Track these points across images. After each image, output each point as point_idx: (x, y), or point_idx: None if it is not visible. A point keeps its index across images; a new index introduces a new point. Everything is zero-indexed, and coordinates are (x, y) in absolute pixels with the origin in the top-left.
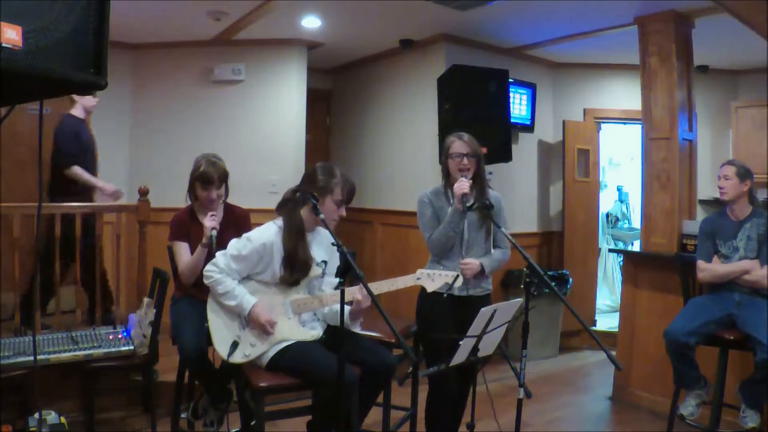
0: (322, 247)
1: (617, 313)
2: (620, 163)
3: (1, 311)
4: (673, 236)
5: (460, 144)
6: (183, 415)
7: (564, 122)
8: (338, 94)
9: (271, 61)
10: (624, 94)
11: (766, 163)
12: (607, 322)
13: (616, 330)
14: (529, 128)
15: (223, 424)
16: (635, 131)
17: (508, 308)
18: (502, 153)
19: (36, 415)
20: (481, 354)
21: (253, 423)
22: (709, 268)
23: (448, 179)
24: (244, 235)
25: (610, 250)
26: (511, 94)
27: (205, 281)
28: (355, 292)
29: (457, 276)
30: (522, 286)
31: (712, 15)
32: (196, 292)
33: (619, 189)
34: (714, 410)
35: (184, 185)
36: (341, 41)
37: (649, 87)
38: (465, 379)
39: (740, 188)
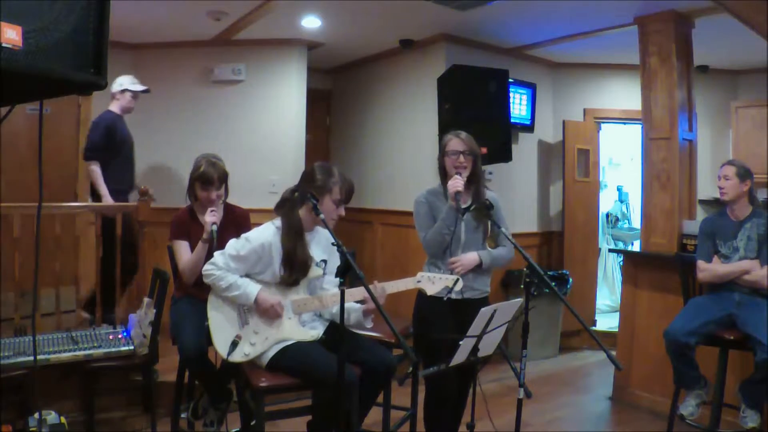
0: (321, 246)
1: (617, 313)
2: (620, 163)
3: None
4: (673, 236)
5: (456, 141)
6: (183, 415)
7: (564, 122)
8: (338, 94)
9: (271, 61)
10: (624, 94)
11: (766, 163)
12: (607, 322)
13: (616, 330)
14: (529, 128)
15: (223, 424)
16: (635, 131)
17: (508, 308)
18: (502, 153)
19: (36, 415)
20: (481, 354)
21: (253, 423)
22: (709, 268)
23: (445, 178)
24: (243, 235)
25: (610, 250)
26: (511, 94)
27: (206, 280)
28: (360, 294)
29: (457, 279)
30: (522, 286)
31: (712, 15)
32: (197, 292)
33: (619, 189)
34: (714, 410)
35: (184, 185)
36: (341, 41)
37: (649, 87)
38: (465, 379)
39: (740, 188)
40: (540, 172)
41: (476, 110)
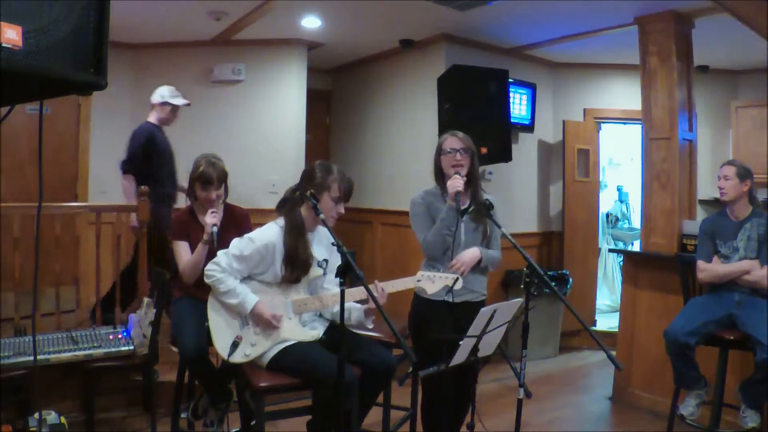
0: (323, 245)
1: (617, 313)
2: (620, 163)
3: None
4: (673, 236)
5: (453, 139)
6: (183, 415)
7: (564, 122)
8: (338, 94)
9: (271, 61)
10: (624, 94)
11: (766, 163)
12: (607, 322)
13: (616, 330)
14: (529, 128)
15: (223, 424)
16: (635, 131)
17: (508, 308)
18: (502, 153)
19: (36, 415)
20: (481, 354)
21: (253, 423)
22: (709, 269)
23: (441, 179)
24: (246, 235)
25: (610, 250)
26: (511, 94)
27: (206, 280)
28: (360, 293)
29: (457, 278)
30: (522, 286)
31: (712, 15)
32: (197, 292)
33: (619, 189)
34: (714, 410)
35: (184, 185)
36: (341, 41)
37: (649, 87)
38: (466, 380)
39: (740, 188)
40: (540, 172)
41: (476, 110)
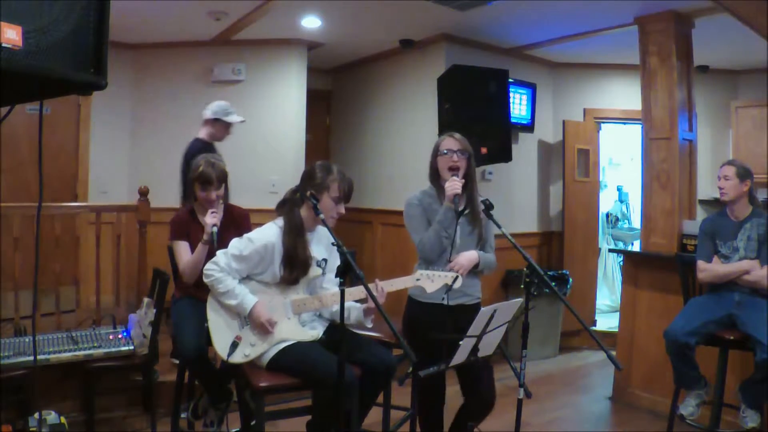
0: (322, 245)
1: (617, 313)
2: (620, 163)
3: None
4: (673, 236)
5: (450, 140)
6: (183, 415)
7: (564, 122)
8: (338, 94)
9: (271, 61)
10: (624, 94)
11: (766, 163)
12: (607, 322)
13: (616, 330)
14: (529, 128)
15: (223, 424)
16: (635, 131)
17: (508, 308)
18: (502, 153)
19: (36, 415)
20: (481, 354)
21: (253, 423)
22: (709, 269)
23: (437, 180)
24: (246, 235)
25: (610, 250)
26: (511, 94)
27: (205, 280)
28: (359, 293)
29: (456, 277)
30: (522, 286)
31: (712, 15)
32: (197, 292)
33: (619, 189)
34: (714, 410)
35: None
36: (341, 41)
37: (649, 87)
38: (469, 380)
39: (740, 188)
40: (540, 172)
41: (476, 110)
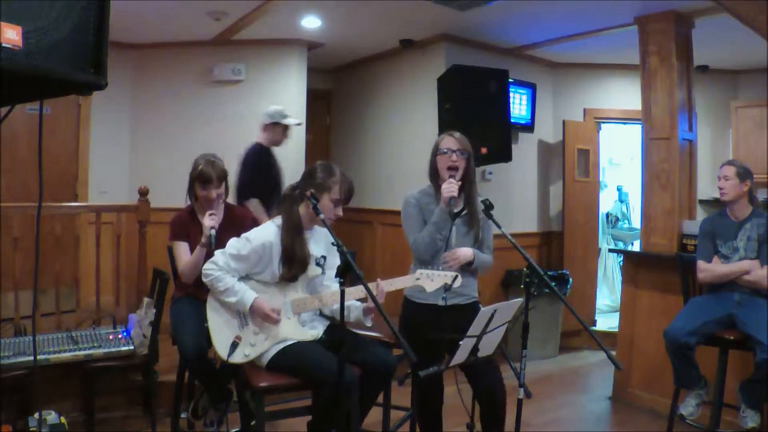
0: (320, 244)
1: (617, 313)
2: (620, 163)
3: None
4: (673, 236)
5: (450, 140)
6: (183, 415)
7: (564, 122)
8: (338, 94)
9: (271, 61)
10: (624, 94)
11: (766, 163)
12: (607, 322)
13: (616, 330)
14: (529, 128)
15: (223, 424)
16: (635, 131)
17: (508, 308)
18: (502, 153)
19: (36, 415)
20: (481, 354)
21: (253, 423)
22: (709, 269)
23: (437, 179)
24: (244, 234)
25: (610, 250)
26: (511, 94)
27: (204, 279)
28: (359, 292)
29: (456, 276)
30: (522, 286)
31: (712, 15)
32: (196, 292)
33: (619, 189)
34: (714, 410)
35: (184, 185)
36: (341, 41)
37: (649, 87)
38: (476, 380)
39: (740, 188)
40: (540, 172)
41: (476, 110)
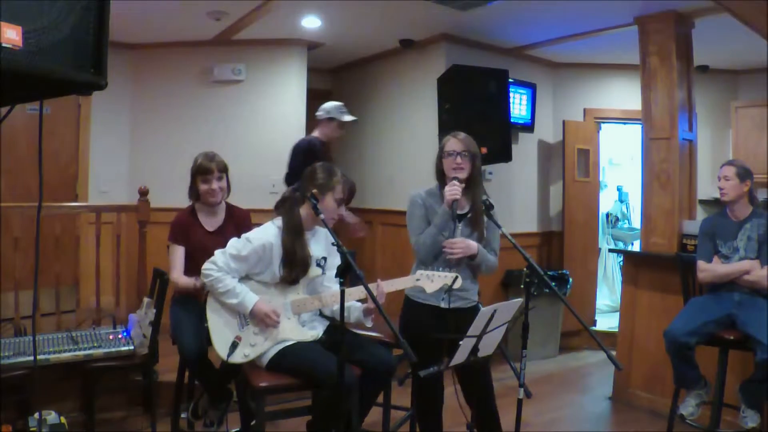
0: (321, 244)
1: (617, 313)
2: (620, 163)
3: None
4: (673, 236)
5: (454, 141)
6: (183, 415)
7: (564, 122)
8: (338, 94)
9: (271, 61)
10: (624, 94)
11: (766, 163)
12: (607, 322)
13: (616, 330)
14: (529, 128)
15: (223, 424)
16: (635, 131)
17: (508, 308)
18: (502, 153)
19: (36, 415)
20: (481, 354)
21: (253, 423)
22: (709, 269)
23: (443, 180)
24: (244, 235)
25: (610, 250)
26: (511, 94)
27: (204, 279)
28: (359, 293)
29: (456, 277)
30: (522, 286)
31: (712, 15)
32: (196, 293)
33: (619, 189)
34: (714, 410)
35: (184, 185)
36: (341, 41)
37: (649, 87)
38: (477, 380)
39: (740, 188)
40: (540, 172)
41: (476, 110)
